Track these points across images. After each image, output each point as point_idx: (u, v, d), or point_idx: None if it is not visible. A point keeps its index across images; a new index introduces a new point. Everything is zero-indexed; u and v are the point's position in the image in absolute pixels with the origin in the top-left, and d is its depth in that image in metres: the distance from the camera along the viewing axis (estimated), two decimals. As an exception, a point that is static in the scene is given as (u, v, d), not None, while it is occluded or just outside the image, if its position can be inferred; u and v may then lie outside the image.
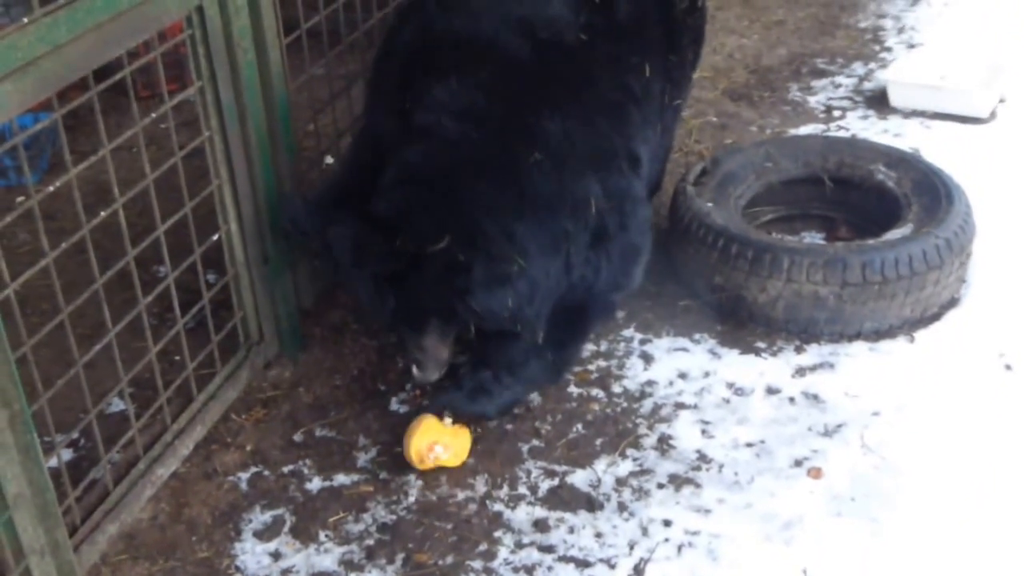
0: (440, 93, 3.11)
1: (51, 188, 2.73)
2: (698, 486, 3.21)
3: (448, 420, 3.34)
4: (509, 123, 3.10)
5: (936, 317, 3.78)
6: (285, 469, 3.35)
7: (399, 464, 3.33)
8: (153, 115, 3.05)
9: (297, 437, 3.47)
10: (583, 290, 3.29)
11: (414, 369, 3.33)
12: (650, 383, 3.62)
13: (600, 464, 3.31)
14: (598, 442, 3.39)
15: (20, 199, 4.52)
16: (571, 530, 3.09)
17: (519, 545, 3.05)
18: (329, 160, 4.17)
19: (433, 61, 3.20)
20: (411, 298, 3.09)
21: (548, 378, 3.51)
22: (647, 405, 3.52)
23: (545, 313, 3.18)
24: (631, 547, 3.02)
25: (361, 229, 3.01)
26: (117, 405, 3.50)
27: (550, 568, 2.98)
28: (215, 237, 3.34)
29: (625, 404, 3.53)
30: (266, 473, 3.34)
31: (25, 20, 2.42)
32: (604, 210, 3.19)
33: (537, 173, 3.08)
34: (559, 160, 3.11)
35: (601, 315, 3.55)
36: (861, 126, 5.09)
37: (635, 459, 3.32)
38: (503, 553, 3.03)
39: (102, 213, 2.86)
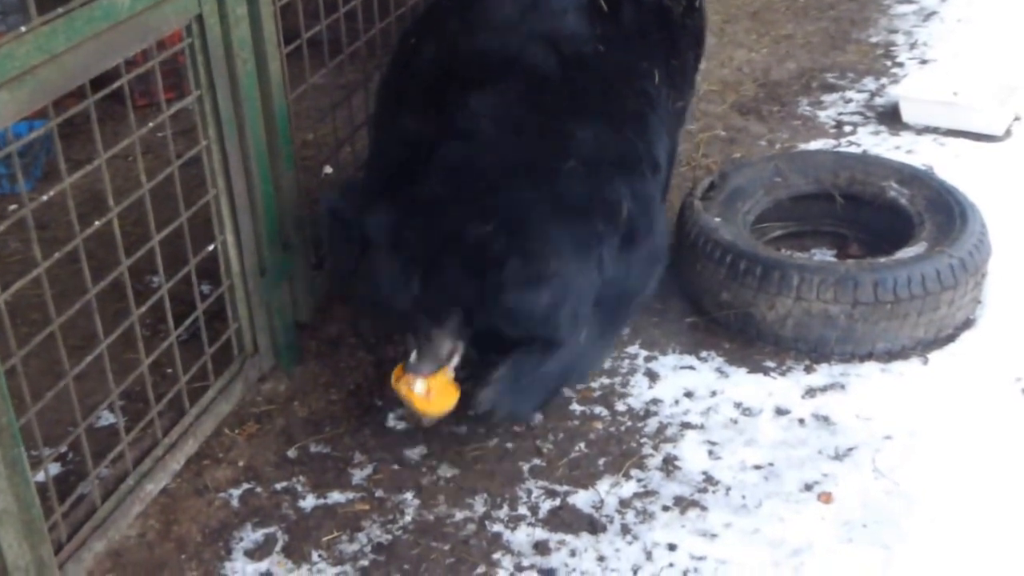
0: (477, 101, 3.22)
1: (44, 197, 2.72)
2: (704, 509, 3.19)
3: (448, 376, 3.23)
4: (544, 130, 3.23)
5: (951, 338, 3.77)
6: (278, 486, 3.33)
7: (396, 482, 3.32)
8: (150, 124, 3.05)
9: (291, 453, 3.46)
10: (613, 293, 3.31)
11: (412, 356, 3.18)
12: (655, 402, 3.60)
13: (603, 485, 3.29)
14: (601, 462, 3.37)
15: (13, 207, 4.51)
16: (572, 553, 3.07)
17: (519, 568, 3.03)
18: (328, 170, 4.17)
19: (463, 73, 3.31)
20: (439, 286, 3.10)
21: (576, 378, 3.56)
22: (652, 424, 3.51)
23: (583, 315, 3.20)
24: (635, 572, 3.00)
25: (404, 211, 3.11)
26: (107, 418, 3.49)
27: (551, 592, 2.96)
28: (211, 248, 3.33)
29: (629, 423, 3.52)
30: (258, 490, 3.32)
31: (23, 29, 2.42)
32: (634, 214, 3.27)
33: (572, 178, 3.18)
34: (592, 166, 3.22)
35: (627, 318, 3.62)
36: (872, 142, 5.09)
37: (639, 480, 3.30)
38: (502, 576, 3.02)
39: (96, 222, 2.85)
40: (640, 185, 3.36)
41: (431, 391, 3.20)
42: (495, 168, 3.15)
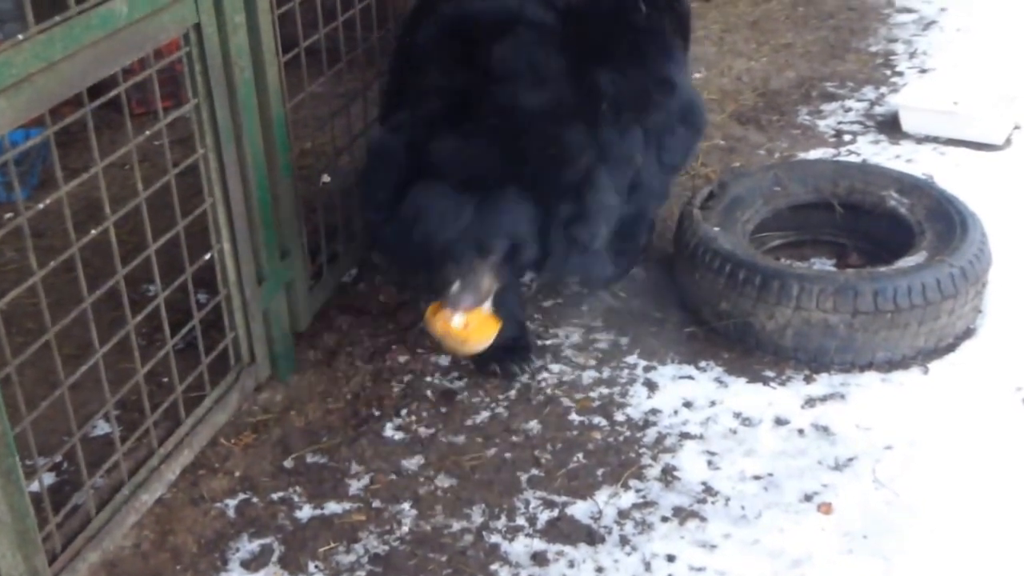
0: (499, 49, 3.36)
1: (41, 205, 2.72)
2: (703, 520, 3.18)
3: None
4: (570, 73, 3.40)
5: (951, 348, 3.77)
6: (274, 496, 3.33)
7: (393, 492, 3.32)
8: (147, 132, 3.05)
9: (287, 463, 3.45)
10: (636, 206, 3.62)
11: (454, 286, 3.21)
12: (654, 412, 3.60)
13: (601, 495, 3.29)
14: (600, 472, 3.37)
15: (9, 215, 4.51)
16: (571, 564, 3.07)
17: (517, 579, 3.03)
18: (326, 179, 4.17)
19: (473, 32, 3.46)
20: (492, 216, 3.20)
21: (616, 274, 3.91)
22: (651, 435, 3.51)
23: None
24: (633, 582, 3.01)
25: (462, 142, 3.22)
26: (102, 428, 3.49)
27: (549, 603, 2.96)
28: (207, 256, 3.33)
29: (628, 433, 3.52)
30: (255, 500, 3.32)
31: (20, 37, 2.42)
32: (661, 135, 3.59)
33: (607, 119, 3.38)
34: (617, 107, 3.42)
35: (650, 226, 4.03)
36: (872, 151, 5.09)
37: (638, 491, 3.30)
38: (500, 587, 3.01)
39: (92, 231, 2.85)
40: (657, 113, 3.58)
41: (469, 324, 3.22)
42: (541, 107, 3.27)
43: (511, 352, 3.77)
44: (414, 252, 3.33)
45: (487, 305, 3.28)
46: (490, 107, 3.27)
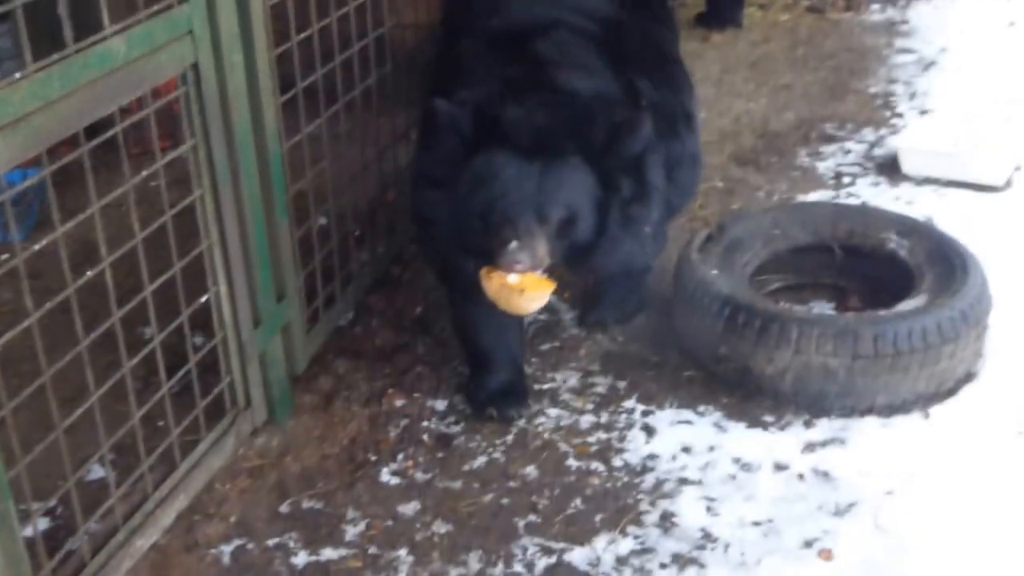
0: (542, 46, 3.65)
1: (37, 246, 2.73)
2: (703, 566, 3.17)
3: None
4: (611, 72, 3.70)
5: (952, 392, 3.77)
6: (270, 542, 3.32)
7: (389, 539, 3.31)
8: (144, 173, 3.07)
9: (283, 508, 3.45)
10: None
11: (511, 245, 3.27)
12: (652, 457, 3.60)
13: (600, 541, 3.28)
14: (597, 518, 3.36)
15: (5, 256, 4.51)
16: (569, 611, 3.06)
17: (515, 626, 3.03)
18: (323, 221, 4.18)
19: (515, 36, 3.73)
20: (553, 183, 3.34)
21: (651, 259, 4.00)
22: (649, 480, 3.50)
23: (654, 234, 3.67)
24: (632, 630, 3.00)
25: (536, 110, 3.39)
26: (97, 472, 3.47)
27: (547, 651, 2.95)
28: (204, 299, 3.34)
29: (626, 478, 3.51)
30: (250, 546, 3.31)
31: (18, 75, 2.44)
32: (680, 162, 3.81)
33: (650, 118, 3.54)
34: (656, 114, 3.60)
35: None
36: (872, 193, 5.11)
37: (636, 537, 3.29)
38: (498, 634, 3.00)
39: (88, 272, 2.86)
40: (677, 142, 3.82)
41: (523, 283, 3.31)
42: (594, 90, 3.53)
43: (508, 396, 3.80)
44: (471, 223, 3.40)
45: (541, 273, 3.38)
46: (550, 87, 3.49)
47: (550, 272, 3.42)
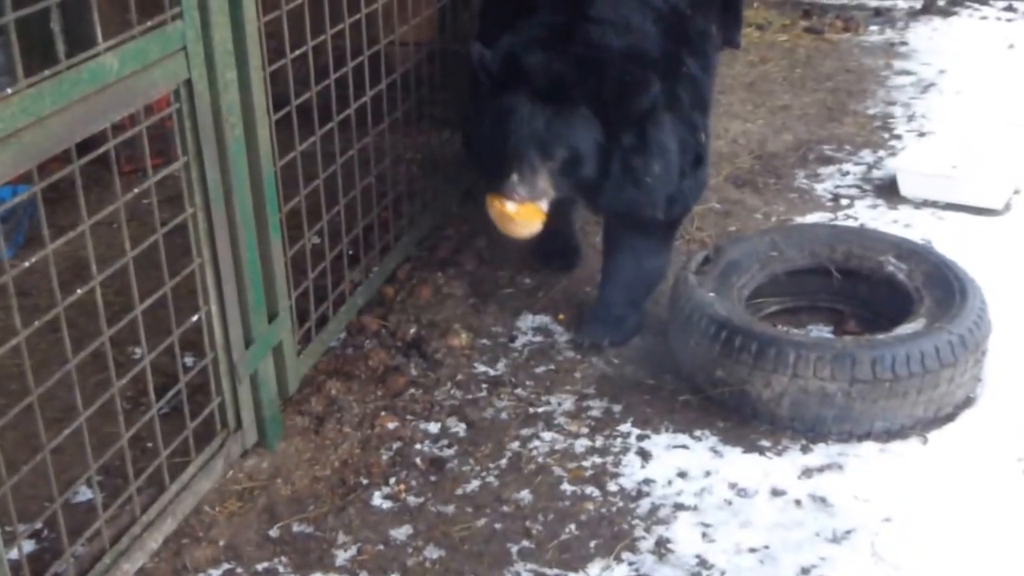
0: (604, 3, 4.01)
1: (26, 264, 2.73)
2: (698, 593, 3.18)
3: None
4: (662, 43, 4.05)
5: (950, 417, 3.78)
6: (259, 567, 3.32)
7: (380, 564, 3.30)
8: (136, 190, 3.07)
9: (273, 532, 3.44)
10: (680, 205, 4.16)
11: (513, 177, 3.74)
12: (648, 482, 3.60)
13: (594, 568, 3.28)
14: (592, 544, 3.37)
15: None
16: (563, 638, 3.06)
17: (507, 653, 3.02)
18: (316, 240, 4.19)
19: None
20: (559, 126, 3.78)
21: (658, 279, 4.43)
22: (644, 505, 3.51)
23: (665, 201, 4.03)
24: (627, 657, 3.00)
25: (556, 59, 3.81)
26: (84, 494, 3.47)
27: None
28: (194, 318, 3.34)
29: (621, 504, 3.52)
30: (239, 570, 3.31)
31: (8, 91, 2.44)
32: (703, 142, 4.14)
33: (685, 81, 4.04)
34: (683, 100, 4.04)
35: (678, 230, 4.49)
36: (870, 215, 5.14)
37: (631, 563, 3.29)
38: (490, 661, 3.00)
39: (78, 291, 2.86)
40: (706, 121, 4.22)
41: (519, 211, 3.77)
42: (624, 49, 3.89)
43: (565, 252, 4.81)
44: (494, 154, 3.86)
45: (541, 205, 3.82)
46: (581, 39, 3.88)
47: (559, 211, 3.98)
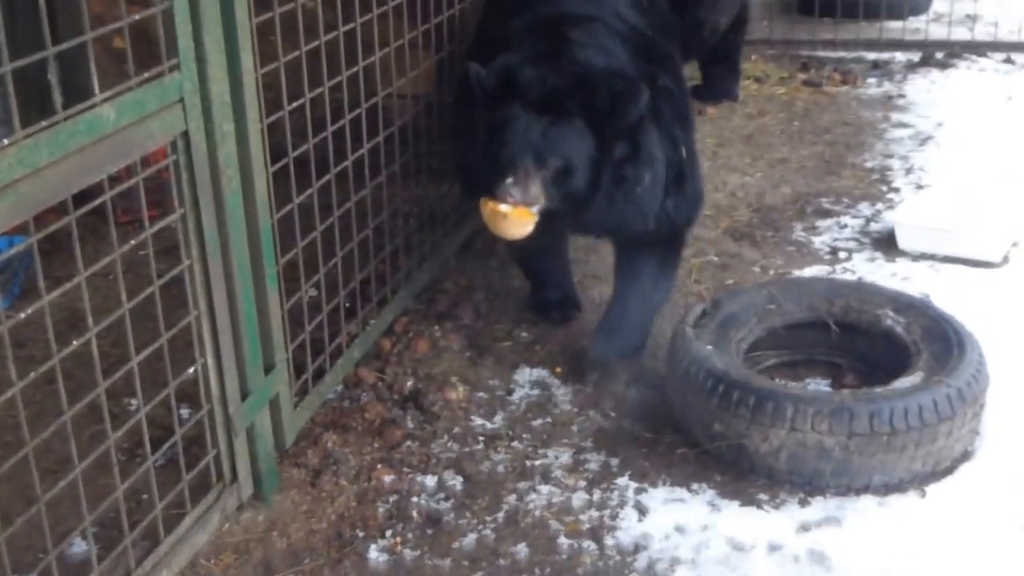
0: (575, 33, 4.19)
1: (22, 315, 2.74)
2: (696, 648, 3.17)
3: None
4: (635, 64, 4.25)
5: (949, 471, 3.77)
6: (254, 620, 3.31)
7: (376, 617, 3.30)
8: (132, 242, 3.08)
9: (268, 586, 3.43)
10: (668, 223, 4.27)
11: (507, 181, 3.85)
12: (645, 536, 3.59)
13: (591, 622, 3.27)
14: (589, 598, 3.36)
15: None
16: None
17: None
18: (313, 292, 4.20)
19: (554, 23, 4.30)
20: (554, 136, 3.92)
21: (662, 297, 4.56)
22: (642, 560, 3.50)
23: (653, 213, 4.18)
24: None
25: (544, 74, 3.98)
26: (79, 546, 3.47)
27: None
28: (191, 371, 3.35)
29: (618, 558, 3.51)
30: (234, 624, 3.30)
31: (5, 142, 2.46)
32: (684, 158, 4.29)
33: (664, 94, 4.21)
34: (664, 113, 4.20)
35: (680, 253, 4.59)
36: (868, 269, 5.15)
37: (629, 617, 3.28)
38: None
39: (74, 342, 2.87)
40: (689, 138, 4.40)
41: (513, 211, 3.86)
42: (608, 66, 4.09)
43: (564, 304, 4.87)
44: (488, 165, 3.97)
45: (533, 210, 3.91)
46: (568, 59, 4.08)
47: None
